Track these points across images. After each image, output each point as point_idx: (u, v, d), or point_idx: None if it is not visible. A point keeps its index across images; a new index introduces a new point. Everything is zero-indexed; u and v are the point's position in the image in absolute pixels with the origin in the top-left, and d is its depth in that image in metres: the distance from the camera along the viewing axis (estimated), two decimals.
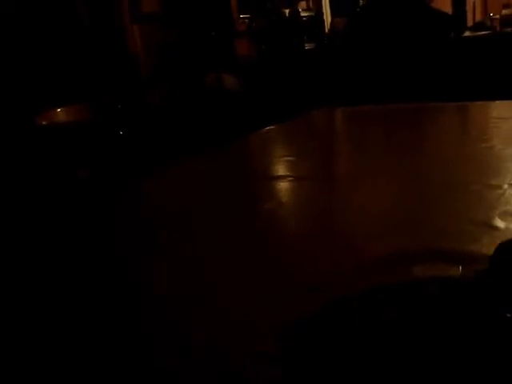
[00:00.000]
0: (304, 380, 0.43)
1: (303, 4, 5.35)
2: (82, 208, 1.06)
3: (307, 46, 4.66)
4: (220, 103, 3.97)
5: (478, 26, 4.21)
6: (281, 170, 1.27)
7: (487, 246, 0.63)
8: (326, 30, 4.87)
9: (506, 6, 4.24)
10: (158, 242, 0.82)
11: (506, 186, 0.84)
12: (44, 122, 2.67)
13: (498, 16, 4.23)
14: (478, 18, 4.68)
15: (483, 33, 3.88)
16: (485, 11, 4.70)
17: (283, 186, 1.08)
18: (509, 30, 3.90)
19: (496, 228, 0.69)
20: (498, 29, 4.08)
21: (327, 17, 5.36)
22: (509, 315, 0.45)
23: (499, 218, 0.72)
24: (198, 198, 1.06)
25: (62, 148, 2.43)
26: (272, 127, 1.76)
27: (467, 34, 3.90)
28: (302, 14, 5.03)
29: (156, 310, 0.59)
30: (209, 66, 4.24)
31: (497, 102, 1.78)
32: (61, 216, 1.00)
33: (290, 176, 1.16)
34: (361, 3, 4.57)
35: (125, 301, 0.63)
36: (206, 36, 4.33)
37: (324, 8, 5.40)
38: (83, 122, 2.73)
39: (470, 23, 4.57)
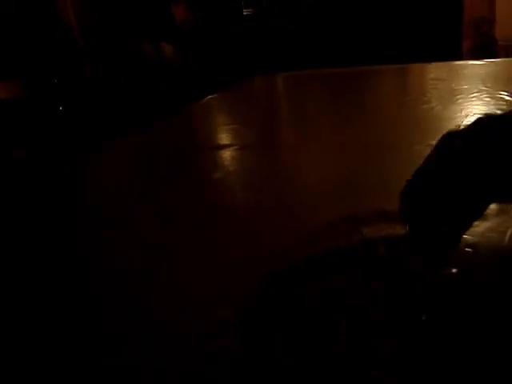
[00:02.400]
0: (261, 347, 0.43)
1: None
2: (27, 186, 1.02)
3: (245, 12, 4.60)
4: (160, 73, 3.88)
5: None
6: (226, 138, 1.26)
7: None
8: None
9: None
10: (108, 217, 0.80)
11: None
12: None
13: None
14: None
15: None
16: None
17: (229, 155, 1.07)
18: None
19: None
20: None
21: None
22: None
23: None
24: (146, 170, 1.04)
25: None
26: (214, 96, 1.75)
27: None
28: None
29: (116, 285, 0.58)
30: (146, 34, 4.13)
31: (433, 63, 1.82)
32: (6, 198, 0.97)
33: (235, 145, 1.15)
34: None
35: (85, 276, 0.62)
36: (142, 3, 4.21)
37: None
38: (19, 99, 2.61)
39: None
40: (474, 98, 1.19)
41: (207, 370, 0.42)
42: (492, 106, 1.10)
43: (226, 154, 1.08)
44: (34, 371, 0.45)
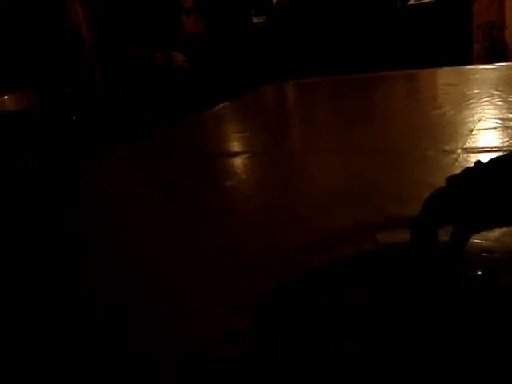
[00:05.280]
0: (270, 354, 0.43)
1: None
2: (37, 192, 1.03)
3: (255, 20, 4.62)
4: (170, 82, 3.91)
5: None
6: (238, 146, 1.26)
7: None
8: (274, 2, 4.83)
9: None
10: (116, 220, 0.81)
11: (459, 151, 0.86)
12: None
13: None
14: None
15: (428, 0, 3.92)
16: None
17: (241, 162, 1.08)
18: None
19: None
20: None
21: None
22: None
23: None
24: (157, 177, 1.05)
25: (12, 137, 2.34)
26: (225, 104, 1.75)
27: (412, 1, 3.94)
28: None
29: (122, 292, 0.58)
30: (157, 43, 4.15)
31: (444, 68, 1.81)
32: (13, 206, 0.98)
33: (247, 152, 1.16)
34: None
35: (84, 285, 0.62)
36: (152, 13, 4.23)
37: None
38: (32, 110, 2.63)
39: None
40: (486, 103, 1.19)
41: (215, 377, 0.42)
42: (504, 111, 1.10)
43: (238, 162, 1.08)
44: (33, 373, 0.46)
